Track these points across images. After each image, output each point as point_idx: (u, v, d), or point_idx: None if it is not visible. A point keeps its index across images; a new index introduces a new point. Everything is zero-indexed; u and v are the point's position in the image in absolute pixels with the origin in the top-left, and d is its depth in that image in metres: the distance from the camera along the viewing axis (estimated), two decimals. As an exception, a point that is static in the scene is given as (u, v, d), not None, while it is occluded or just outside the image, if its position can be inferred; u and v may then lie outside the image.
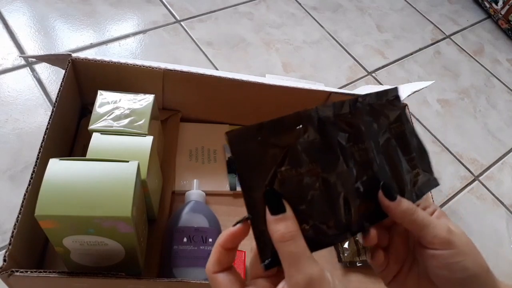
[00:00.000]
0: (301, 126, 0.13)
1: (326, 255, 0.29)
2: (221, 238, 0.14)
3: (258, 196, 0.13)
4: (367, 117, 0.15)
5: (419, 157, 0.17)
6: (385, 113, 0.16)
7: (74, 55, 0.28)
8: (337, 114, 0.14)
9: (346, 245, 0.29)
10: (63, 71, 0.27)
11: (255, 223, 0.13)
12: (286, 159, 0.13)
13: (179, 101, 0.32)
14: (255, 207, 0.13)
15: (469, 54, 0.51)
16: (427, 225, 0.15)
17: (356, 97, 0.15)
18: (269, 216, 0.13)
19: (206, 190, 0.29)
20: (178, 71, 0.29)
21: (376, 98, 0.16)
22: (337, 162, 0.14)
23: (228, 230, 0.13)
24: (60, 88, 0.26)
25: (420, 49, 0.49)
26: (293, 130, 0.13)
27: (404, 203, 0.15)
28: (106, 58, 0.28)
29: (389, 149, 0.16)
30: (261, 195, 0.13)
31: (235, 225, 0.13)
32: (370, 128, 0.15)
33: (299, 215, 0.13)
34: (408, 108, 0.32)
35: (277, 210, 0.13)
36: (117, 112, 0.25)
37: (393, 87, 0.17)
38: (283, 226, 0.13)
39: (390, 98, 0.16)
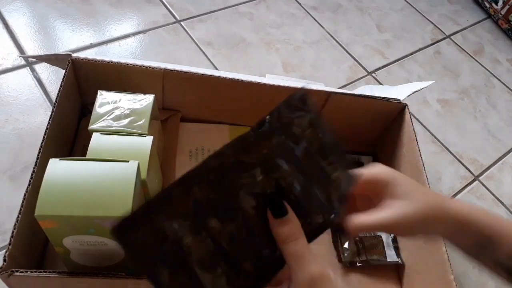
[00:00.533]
0: (196, 187, 0.12)
1: (327, 255, 0.29)
2: None
3: (165, 280, 0.12)
4: (277, 137, 0.14)
5: (336, 157, 0.16)
6: (295, 122, 0.15)
7: (74, 55, 0.28)
8: (240, 151, 0.13)
9: (346, 245, 0.29)
10: (63, 71, 0.27)
11: None
12: (187, 231, 0.12)
13: (179, 101, 0.32)
14: None
15: (469, 54, 0.51)
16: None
17: (262, 119, 0.14)
18: (272, 219, 0.13)
19: (206, 190, 0.29)
20: (178, 71, 0.29)
21: (286, 107, 0.15)
22: (238, 211, 0.13)
23: None
24: (60, 88, 0.26)
25: (420, 49, 0.49)
26: (184, 198, 0.12)
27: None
28: (106, 58, 0.28)
29: (309, 161, 0.15)
30: (168, 280, 0.12)
31: None
32: (282, 149, 0.14)
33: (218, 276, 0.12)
34: (408, 108, 0.32)
35: (280, 213, 0.13)
36: (117, 112, 0.25)
37: (300, 87, 0.15)
38: (286, 228, 0.13)
39: (297, 103, 0.15)
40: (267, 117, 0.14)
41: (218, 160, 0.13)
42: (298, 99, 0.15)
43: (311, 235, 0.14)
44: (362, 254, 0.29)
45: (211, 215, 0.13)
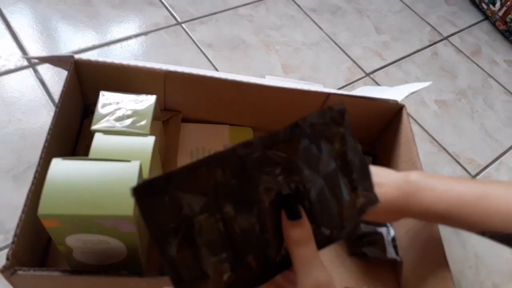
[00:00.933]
0: (220, 169, 0.12)
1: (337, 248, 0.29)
2: None
3: (172, 252, 0.12)
4: (306, 142, 0.14)
5: (360, 176, 0.16)
6: (326, 134, 0.15)
7: (76, 56, 0.28)
8: (268, 147, 0.13)
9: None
10: (66, 72, 0.27)
11: (176, 283, 0.12)
12: (202, 208, 0.12)
13: (180, 102, 0.32)
14: (172, 265, 0.12)
15: (467, 56, 0.51)
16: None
17: (296, 121, 0.14)
18: (285, 221, 0.13)
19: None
20: (179, 72, 0.29)
21: (319, 117, 0.15)
22: (254, 204, 0.13)
23: None
24: (62, 89, 0.26)
25: (418, 51, 0.50)
26: (207, 177, 0.12)
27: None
28: (108, 60, 0.28)
29: (331, 174, 0.15)
30: (175, 252, 0.12)
31: None
32: (307, 155, 0.14)
33: (223, 261, 0.12)
34: (405, 109, 0.33)
35: (295, 215, 0.13)
36: (119, 113, 0.25)
37: (341, 102, 0.16)
38: (299, 231, 0.13)
39: (334, 115, 0.15)
40: (299, 122, 0.14)
41: (246, 150, 0.13)
42: (336, 112, 0.15)
43: (316, 245, 0.14)
44: (364, 247, 0.29)
45: (228, 200, 0.13)
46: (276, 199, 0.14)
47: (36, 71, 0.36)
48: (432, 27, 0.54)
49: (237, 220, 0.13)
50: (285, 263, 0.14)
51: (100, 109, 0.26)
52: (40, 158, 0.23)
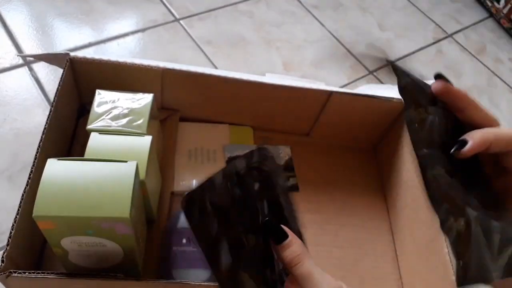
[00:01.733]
0: (228, 183, 0.14)
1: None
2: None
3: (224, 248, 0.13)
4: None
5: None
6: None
7: (72, 54, 0.27)
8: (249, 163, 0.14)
9: None
10: (61, 70, 0.27)
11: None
12: (220, 221, 0.13)
13: (178, 101, 0.32)
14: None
15: (471, 53, 0.51)
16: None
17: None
18: (274, 246, 0.14)
19: (205, 190, 0.29)
20: (177, 70, 0.29)
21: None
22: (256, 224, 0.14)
23: None
24: (58, 88, 0.25)
25: (422, 48, 0.49)
26: (224, 188, 0.13)
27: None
28: (105, 57, 0.28)
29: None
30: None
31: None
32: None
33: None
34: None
35: (280, 238, 0.14)
36: (115, 112, 0.25)
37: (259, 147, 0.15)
38: (289, 252, 0.14)
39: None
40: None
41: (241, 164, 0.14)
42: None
43: None
44: None
45: (240, 217, 0.14)
46: (261, 226, 0.14)
47: (31, 69, 0.35)
48: (436, 24, 0.53)
49: (248, 239, 0.14)
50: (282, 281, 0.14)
51: (96, 108, 0.25)
52: (35, 158, 0.22)
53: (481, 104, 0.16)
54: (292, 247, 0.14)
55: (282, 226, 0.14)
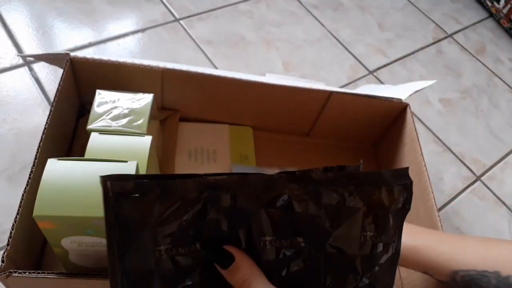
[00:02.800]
0: (205, 194, 0.12)
1: None
2: None
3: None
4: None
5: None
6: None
7: (72, 54, 0.27)
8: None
9: None
10: (61, 70, 0.27)
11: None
12: (170, 236, 0.11)
13: (178, 101, 0.32)
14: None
15: (471, 53, 0.51)
16: None
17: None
18: (221, 271, 0.12)
19: (205, 190, 0.29)
20: (177, 70, 0.29)
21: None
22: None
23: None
24: (58, 88, 0.25)
25: (422, 48, 0.49)
26: (190, 199, 0.11)
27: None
28: (105, 57, 0.28)
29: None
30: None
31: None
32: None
33: None
34: (410, 108, 0.32)
35: (225, 263, 0.12)
36: (115, 112, 0.25)
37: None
38: (237, 276, 0.12)
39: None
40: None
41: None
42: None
43: None
44: None
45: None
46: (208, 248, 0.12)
47: (31, 70, 0.35)
48: (436, 24, 0.53)
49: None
50: None
51: (96, 108, 0.25)
52: (35, 158, 0.22)
53: None
54: (240, 270, 0.12)
55: (227, 246, 0.12)
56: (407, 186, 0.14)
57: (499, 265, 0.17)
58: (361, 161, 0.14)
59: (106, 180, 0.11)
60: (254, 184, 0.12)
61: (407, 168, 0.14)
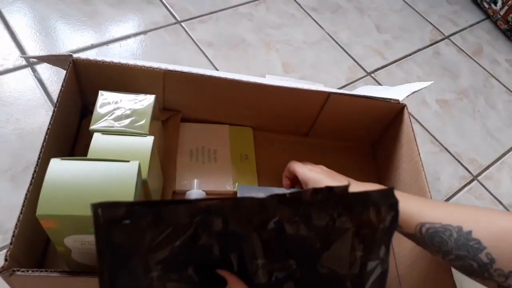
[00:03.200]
0: (197, 218, 0.11)
1: None
2: None
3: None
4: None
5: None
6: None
7: (75, 55, 0.28)
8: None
9: None
10: (64, 72, 0.27)
11: None
12: (162, 262, 0.11)
13: (180, 102, 0.32)
14: None
15: (468, 55, 0.51)
16: None
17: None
18: None
19: (206, 190, 0.29)
20: (178, 71, 0.29)
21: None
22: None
23: None
24: (61, 89, 0.26)
25: (419, 50, 0.50)
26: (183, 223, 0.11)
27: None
28: (107, 59, 0.28)
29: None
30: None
31: None
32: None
33: None
34: (407, 109, 0.33)
35: (219, 287, 0.12)
36: (118, 112, 0.25)
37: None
38: None
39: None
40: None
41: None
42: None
43: None
44: None
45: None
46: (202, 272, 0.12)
47: (34, 71, 0.35)
48: (434, 26, 0.54)
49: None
50: None
51: (99, 108, 0.25)
52: (39, 158, 0.22)
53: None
54: None
55: (219, 270, 0.12)
56: (393, 206, 0.14)
57: (463, 220, 0.17)
58: (348, 182, 0.14)
59: (97, 207, 0.12)
60: (245, 207, 0.12)
61: (393, 188, 0.14)
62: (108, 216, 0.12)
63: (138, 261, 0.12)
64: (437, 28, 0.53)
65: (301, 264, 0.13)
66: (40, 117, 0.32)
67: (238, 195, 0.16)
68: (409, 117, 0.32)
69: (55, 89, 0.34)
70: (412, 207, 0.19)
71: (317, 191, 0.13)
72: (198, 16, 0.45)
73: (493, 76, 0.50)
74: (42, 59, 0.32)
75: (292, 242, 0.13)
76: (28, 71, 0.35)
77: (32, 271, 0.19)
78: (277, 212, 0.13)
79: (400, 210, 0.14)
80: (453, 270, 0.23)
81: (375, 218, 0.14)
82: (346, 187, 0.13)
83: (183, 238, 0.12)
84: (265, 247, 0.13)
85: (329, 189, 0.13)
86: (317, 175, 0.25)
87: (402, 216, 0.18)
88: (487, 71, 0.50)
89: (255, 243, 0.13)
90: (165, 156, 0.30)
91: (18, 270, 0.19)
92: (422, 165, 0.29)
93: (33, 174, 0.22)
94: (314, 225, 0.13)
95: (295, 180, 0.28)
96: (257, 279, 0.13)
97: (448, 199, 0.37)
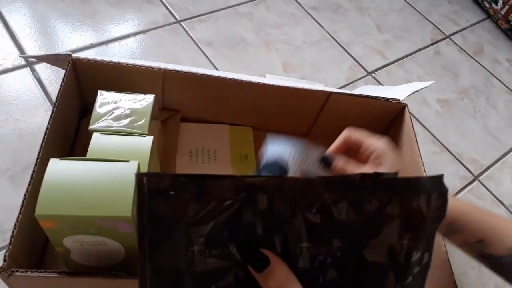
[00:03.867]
0: (242, 195, 0.11)
1: None
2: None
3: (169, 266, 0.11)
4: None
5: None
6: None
7: (74, 55, 0.28)
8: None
9: None
10: (63, 71, 0.27)
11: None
12: (203, 237, 0.11)
13: (179, 101, 0.32)
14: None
15: (469, 54, 0.51)
16: None
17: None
18: (255, 274, 0.12)
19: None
20: (178, 71, 0.29)
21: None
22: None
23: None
24: (60, 88, 0.26)
25: (420, 49, 0.49)
26: (226, 199, 0.11)
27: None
28: (106, 58, 0.28)
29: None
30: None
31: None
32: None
33: None
34: (408, 109, 0.33)
35: (260, 266, 0.12)
36: (117, 112, 0.25)
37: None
38: (272, 282, 0.12)
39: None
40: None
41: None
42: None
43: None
44: None
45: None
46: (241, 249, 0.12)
47: (33, 70, 0.35)
48: (434, 25, 0.53)
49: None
50: None
51: (98, 108, 0.25)
52: (38, 158, 0.22)
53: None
54: (275, 276, 0.11)
55: (263, 250, 0.11)
56: (443, 194, 0.13)
57: None
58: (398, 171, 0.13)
59: (142, 176, 0.11)
60: (292, 188, 0.12)
61: (442, 175, 0.13)
62: (152, 185, 0.11)
63: (180, 233, 0.11)
64: (437, 28, 0.53)
65: (346, 250, 0.12)
66: (39, 116, 0.32)
67: (268, 143, 0.15)
68: (410, 117, 0.32)
69: (54, 89, 0.34)
70: (509, 224, 0.17)
71: (366, 175, 0.12)
72: (198, 16, 0.45)
73: (494, 76, 0.50)
74: (41, 58, 0.31)
75: (338, 227, 0.12)
76: (27, 70, 0.35)
77: (31, 271, 0.19)
78: (324, 194, 0.12)
79: (497, 224, 0.13)
80: (453, 268, 0.23)
81: (425, 205, 0.13)
82: (395, 174, 0.12)
83: (226, 214, 0.11)
84: (310, 230, 0.12)
85: (377, 174, 0.12)
86: (395, 153, 0.20)
87: (499, 232, 0.17)
88: (488, 70, 0.50)
89: (300, 225, 0.12)
90: (164, 156, 0.30)
91: (17, 271, 0.19)
92: (423, 165, 0.29)
93: (32, 174, 0.22)
94: (363, 210, 0.12)
95: (341, 149, 0.22)
96: (300, 263, 0.12)
97: (449, 199, 0.37)
